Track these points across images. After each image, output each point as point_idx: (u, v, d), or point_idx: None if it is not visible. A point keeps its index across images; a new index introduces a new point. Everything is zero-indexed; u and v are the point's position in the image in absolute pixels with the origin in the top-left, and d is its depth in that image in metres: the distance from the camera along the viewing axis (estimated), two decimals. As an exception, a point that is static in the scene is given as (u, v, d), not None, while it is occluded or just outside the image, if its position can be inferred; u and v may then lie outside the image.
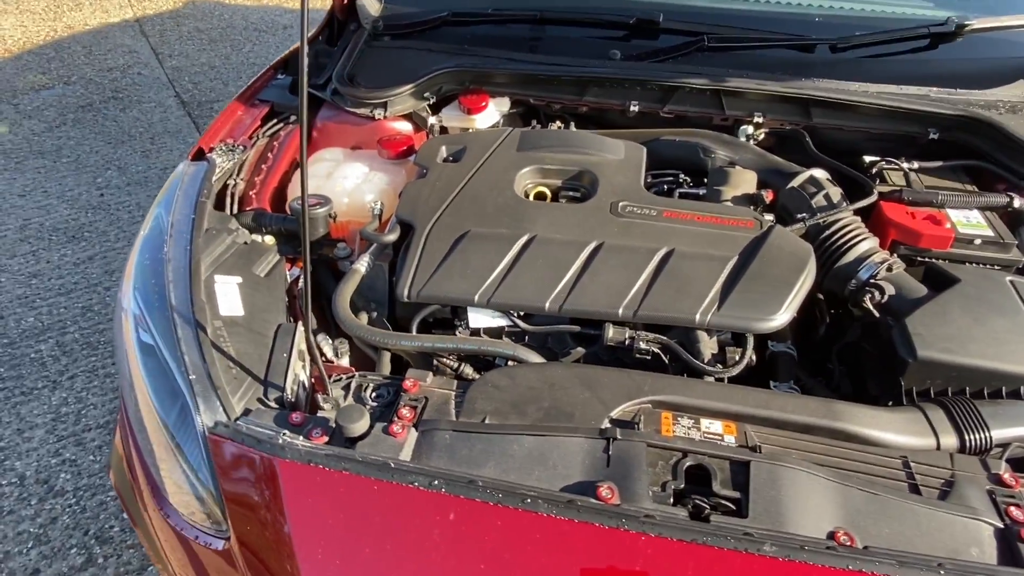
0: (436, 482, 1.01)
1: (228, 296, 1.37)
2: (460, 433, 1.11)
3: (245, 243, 1.51)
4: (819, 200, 1.53)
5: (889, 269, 1.43)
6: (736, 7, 2.03)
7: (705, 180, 1.67)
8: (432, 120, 1.87)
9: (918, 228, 1.50)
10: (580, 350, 1.40)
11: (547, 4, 2.02)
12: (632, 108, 1.82)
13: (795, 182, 1.57)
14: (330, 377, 1.25)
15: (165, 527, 1.22)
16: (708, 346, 1.32)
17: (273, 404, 1.23)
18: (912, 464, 1.10)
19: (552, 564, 0.95)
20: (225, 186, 1.66)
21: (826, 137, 1.82)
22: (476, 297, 1.33)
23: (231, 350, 1.27)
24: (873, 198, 1.54)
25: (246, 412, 1.19)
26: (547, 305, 1.32)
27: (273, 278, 1.47)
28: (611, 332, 1.32)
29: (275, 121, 1.89)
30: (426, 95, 1.86)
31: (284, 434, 1.10)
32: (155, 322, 1.28)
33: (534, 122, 1.93)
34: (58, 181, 4.05)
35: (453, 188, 1.54)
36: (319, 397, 1.17)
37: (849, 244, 1.46)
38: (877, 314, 1.38)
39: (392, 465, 1.03)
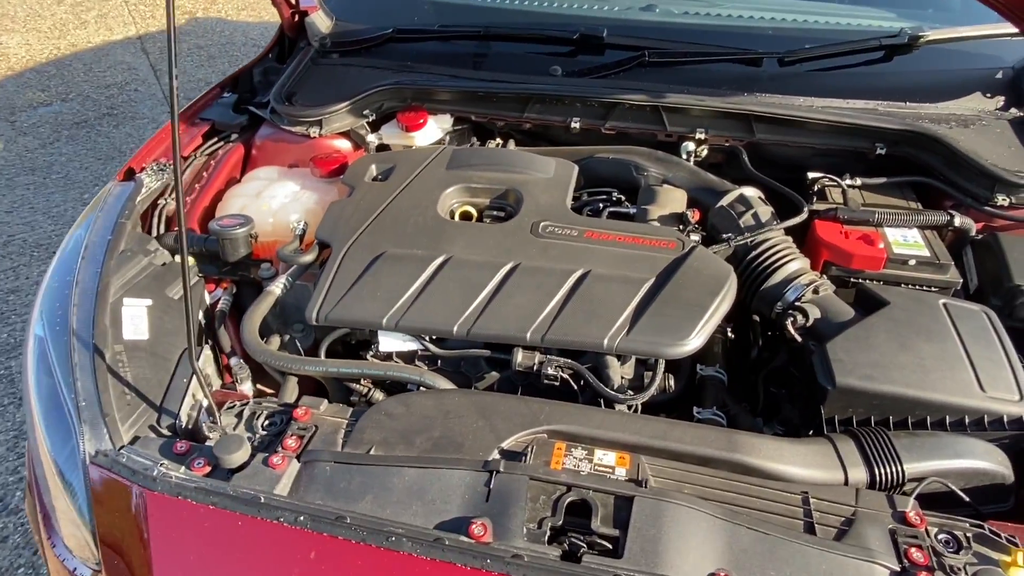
0: (302, 518, 0.97)
1: (134, 320, 1.35)
2: (341, 465, 1.08)
3: (164, 264, 1.50)
4: (747, 219, 1.48)
5: (815, 291, 1.37)
6: (682, 21, 1.98)
7: None
8: (371, 138, 1.85)
9: (849, 248, 1.44)
10: (495, 375, 1.37)
11: (492, 20, 2.00)
12: (573, 125, 1.78)
13: (724, 201, 1.52)
14: (223, 404, 1.22)
15: (53, 558, 1.20)
16: (617, 372, 1.28)
17: (165, 431, 1.20)
18: (812, 500, 1.05)
19: (412, 606, 0.91)
20: (154, 206, 1.65)
21: (771, 153, 1.77)
22: (384, 320, 1.30)
23: (129, 375, 1.25)
24: (802, 216, 1.49)
25: (135, 440, 1.16)
26: (455, 329, 1.28)
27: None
28: (520, 357, 1.28)
29: (215, 140, 1.89)
30: (365, 113, 1.84)
31: (161, 465, 1.08)
32: (55, 347, 1.26)
33: (474, 140, 1.90)
34: (46, 197, 4.10)
35: (376, 207, 1.52)
36: (204, 426, 1.14)
37: (776, 264, 1.41)
38: (799, 339, 1.33)
39: (261, 500, 1.00)
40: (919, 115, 1.72)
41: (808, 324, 1.33)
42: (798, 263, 1.43)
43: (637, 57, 1.80)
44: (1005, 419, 1.17)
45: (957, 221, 1.49)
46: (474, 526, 0.96)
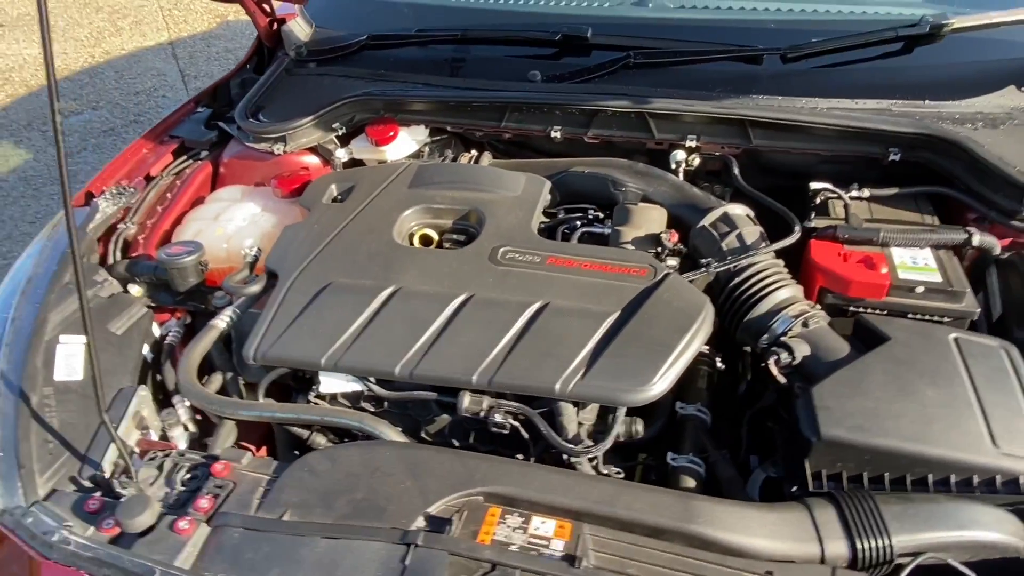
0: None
1: (69, 359, 1.28)
2: (251, 532, 0.98)
3: (110, 296, 1.43)
4: (731, 241, 1.32)
5: (805, 324, 1.21)
6: (676, 17, 1.82)
7: None
8: (339, 153, 1.75)
9: (847, 273, 1.27)
10: (445, 418, 1.25)
11: (472, 22, 1.87)
12: (554, 134, 1.65)
13: (705, 220, 1.36)
14: (145, 455, 1.14)
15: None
16: (573, 420, 1.15)
17: (87, 483, 1.13)
18: (777, 583, 0.90)
19: None
20: (112, 230, 1.59)
21: (772, 161, 1.60)
22: (323, 360, 1.20)
23: (55, 421, 1.19)
24: (794, 237, 1.33)
25: (51, 494, 1.09)
26: (397, 370, 1.17)
27: (130, 335, 1.38)
28: (466, 402, 1.17)
29: (184, 158, 1.81)
30: (335, 126, 1.74)
31: (66, 526, 1.00)
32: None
33: (448, 152, 1.78)
34: (69, 207, 4.15)
35: (329, 232, 1.42)
36: (115, 482, 1.07)
37: (762, 293, 1.26)
38: (782, 379, 1.17)
39: (157, 573, 0.91)
40: (939, 115, 1.52)
41: (795, 362, 1.18)
42: (788, 291, 1.27)
43: (622, 59, 1.65)
44: (1021, 480, 1.00)
45: (976, 239, 1.30)
46: (380, 611, 0.85)
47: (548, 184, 1.50)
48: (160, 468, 1.12)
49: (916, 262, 1.29)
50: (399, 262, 1.33)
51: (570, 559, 0.91)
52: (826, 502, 1.01)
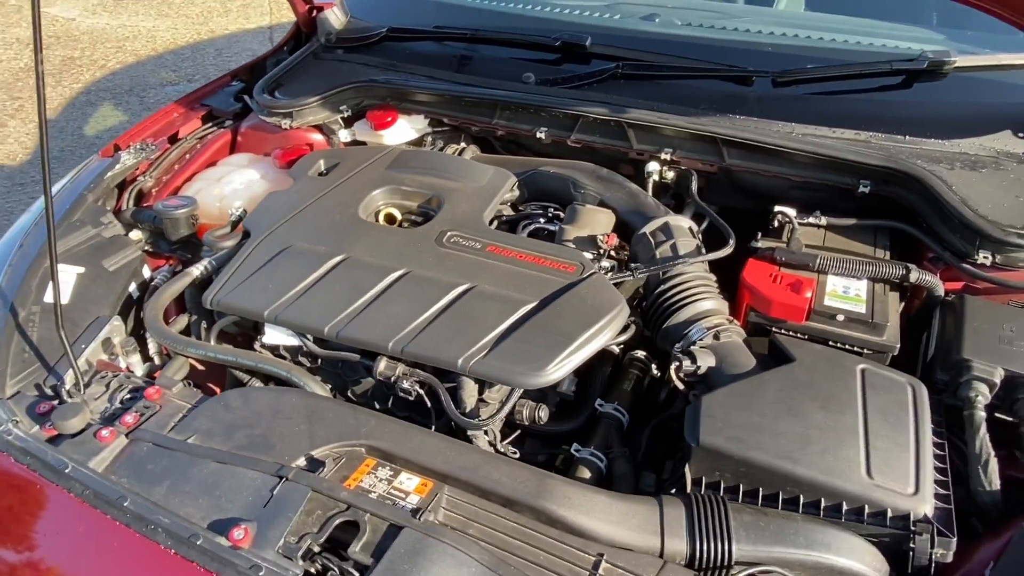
0: (87, 492, 1.01)
1: (61, 284, 1.45)
2: (157, 448, 1.10)
3: (112, 237, 1.60)
4: (664, 250, 1.36)
5: (716, 336, 1.24)
6: (681, 33, 1.85)
7: None
8: (343, 134, 1.88)
9: (769, 294, 1.28)
10: (370, 380, 1.35)
11: (489, 23, 1.97)
12: (539, 135, 1.72)
13: (646, 228, 1.40)
14: (98, 372, 1.29)
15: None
16: (472, 394, 1.22)
17: (49, 391, 1.29)
18: (603, 566, 0.94)
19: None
20: (131, 181, 1.77)
21: (745, 181, 1.61)
22: (266, 313, 1.32)
23: (35, 335, 1.35)
24: (726, 251, 1.35)
25: (15, 394, 1.25)
26: (326, 330, 1.27)
27: (120, 273, 1.54)
28: (382, 366, 1.26)
29: (210, 125, 1.99)
30: (341, 108, 1.87)
31: (14, 420, 1.16)
32: (-22, 301, 1.39)
33: (439, 143, 1.87)
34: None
35: (304, 202, 1.54)
36: (63, 390, 1.21)
37: (683, 301, 1.29)
38: (680, 385, 1.20)
39: (66, 469, 1.05)
40: (917, 151, 1.49)
41: (699, 370, 1.20)
42: (710, 303, 1.29)
43: (610, 69, 1.70)
44: (889, 513, 1.00)
45: (914, 276, 1.28)
46: (236, 530, 0.95)
47: (512, 179, 1.57)
48: (107, 386, 1.26)
49: (847, 292, 1.29)
50: (355, 234, 1.43)
51: (415, 511, 0.98)
52: (679, 501, 1.04)
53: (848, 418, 1.09)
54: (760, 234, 1.43)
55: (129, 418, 1.16)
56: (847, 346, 1.26)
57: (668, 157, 1.62)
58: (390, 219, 1.56)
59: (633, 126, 1.63)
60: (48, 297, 1.42)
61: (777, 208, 1.47)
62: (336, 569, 0.92)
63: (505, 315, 1.24)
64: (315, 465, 1.07)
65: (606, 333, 1.21)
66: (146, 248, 1.66)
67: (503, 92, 1.74)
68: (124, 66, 6.11)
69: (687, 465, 1.11)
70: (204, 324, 1.48)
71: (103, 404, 1.23)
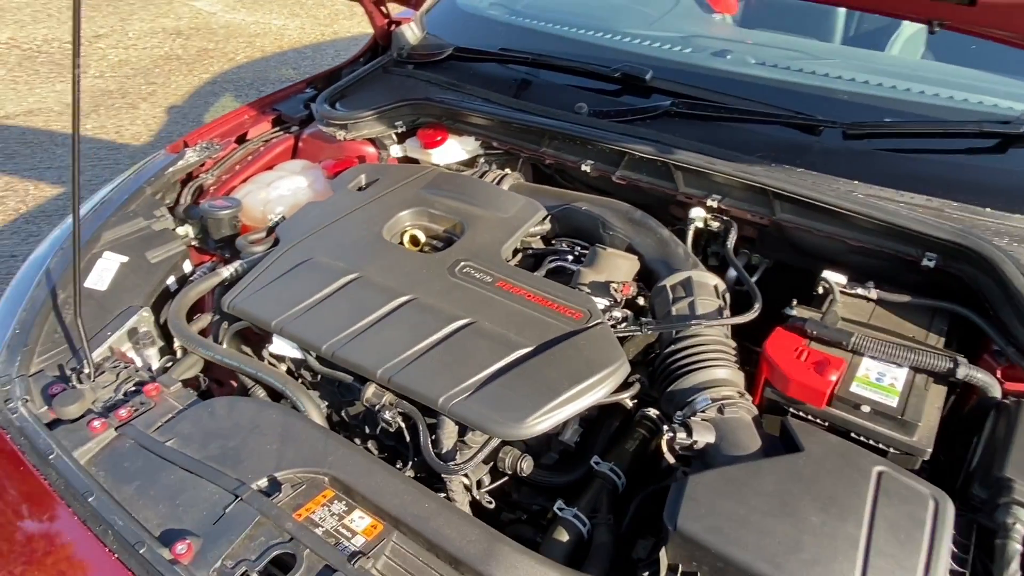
0: (59, 481, 1.05)
1: (103, 271, 1.54)
2: (137, 447, 1.13)
3: (161, 230, 1.68)
4: (682, 307, 1.26)
5: (721, 410, 1.13)
6: (748, 72, 1.73)
7: None
8: (394, 149, 1.90)
9: (789, 370, 1.16)
10: (361, 405, 1.33)
11: (552, 49, 1.92)
12: (584, 167, 1.66)
13: (667, 280, 1.31)
14: (113, 361, 1.35)
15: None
16: (451, 436, 1.17)
17: (68, 373, 1.36)
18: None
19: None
20: (191, 177, 1.86)
21: (798, 238, 1.48)
22: (273, 323, 1.34)
23: (67, 317, 1.43)
24: (749, 316, 1.23)
25: (39, 372, 1.33)
26: (323, 347, 1.27)
27: (161, 266, 1.61)
28: (369, 392, 1.24)
29: (276, 129, 2.06)
30: (397, 124, 1.89)
31: (25, 399, 1.23)
32: (21, 279, 1.49)
33: (482, 165, 1.84)
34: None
35: (336, 215, 1.56)
36: (74, 376, 1.27)
37: (692, 367, 1.19)
38: (672, 459, 1.11)
39: (50, 455, 1.10)
40: (998, 228, 1.31)
41: (695, 445, 1.10)
42: (722, 372, 1.18)
43: (663, 106, 1.62)
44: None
45: (962, 372, 1.12)
46: (180, 544, 0.96)
47: (541, 213, 1.52)
48: (117, 376, 1.32)
49: (881, 379, 1.14)
50: (373, 254, 1.43)
51: (354, 556, 0.95)
52: (635, 590, 0.95)
53: (849, 526, 0.96)
54: (796, 300, 1.30)
55: (123, 411, 1.20)
56: (871, 441, 1.11)
57: (715, 204, 1.51)
58: (414, 241, 1.54)
59: (681, 168, 1.54)
60: (89, 282, 1.51)
61: (825, 273, 1.34)
62: (263, 601, 0.91)
63: (497, 357, 1.19)
64: (274, 487, 1.06)
65: (598, 390, 1.13)
66: (194, 244, 1.73)
67: (551, 121, 1.69)
68: (250, 60, 6.51)
69: (663, 549, 1.02)
70: (224, 325, 1.52)
71: (109, 393, 1.28)
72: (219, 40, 6.89)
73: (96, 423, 1.17)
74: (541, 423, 1.10)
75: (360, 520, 1.02)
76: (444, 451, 1.17)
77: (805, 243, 1.49)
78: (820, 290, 1.34)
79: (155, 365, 1.47)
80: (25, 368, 1.32)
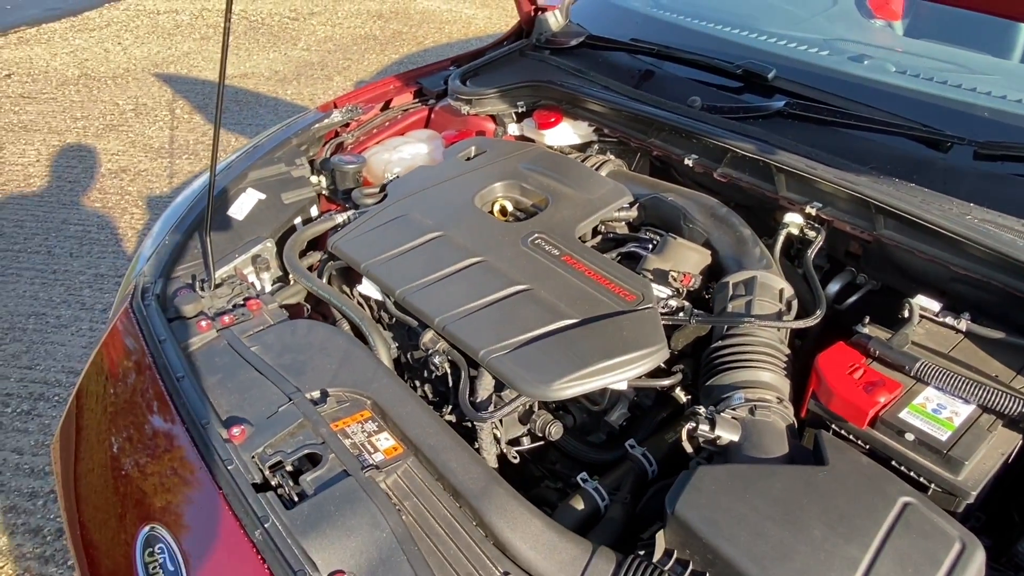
0: (160, 360, 1.26)
1: (243, 204, 1.78)
2: (228, 347, 1.33)
3: (298, 176, 1.91)
4: (739, 304, 1.23)
5: (752, 411, 1.11)
6: (881, 79, 1.61)
7: None
8: (512, 127, 1.99)
9: (836, 385, 1.10)
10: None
11: (688, 42, 1.91)
12: (687, 161, 1.65)
13: (730, 277, 1.28)
14: (232, 277, 1.57)
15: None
16: (487, 388, 1.25)
17: (196, 281, 1.60)
18: (501, 584, 0.93)
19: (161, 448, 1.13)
20: (336, 135, 2.08)
21: (899, 258, 1.38)
22: (362, 265, 1.49)
23: (208, 238, 1.69)
24: (810, 322, 1.18)
25: (176, 277, 1.59)
26: (397, 292, 1.40)
27: (291, 207, 1.83)
28: (427, 337, 1.35)
29: (416, 100, 2.24)
30: (519, 104, 1.98)
31: (156, 297, 1.47)
32: (180, 203, 1.77)
33: (594, 151, 1.88)
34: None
35: (439, 180, 1.69)
36: (197, 284, 1.50)
37: (735, 364, 1.17)
38: (689, 448, 1.10)
39: (159, 340, 1.32)
40: None
41: (718, 440, 1.09)
42: (766, 376, 1.15)
43: (776, 106, 1.56)
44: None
45: (1034, 417, 1.00)
46: (236, 428, 1.12)
47: (627, 197, 1.54)
48: (232, 290, 1.54)
49: (939, 411, 1.05)
50: (459, 217, 1.54)
51: (371, 467, 1.06)
52: (613, 557, 0.97)
53: (853, 548, 0.91)
54: (868, 318, 1.22)
55: (227, 318, 1.41)
56: (912, 473, 1.04)
57: (814, 212, 1.44)
58: (503, 211, 1.63)
59: (783, 170, 1.49)
60: (231, 211, 1.75)
61: (917, 298, 1.25)
62: (284, 487, 1.04)
63: (543, 323, 1.24)
64: (323, 398, 1.20)
65: (629, 369, 1.15)
66: (324, 192, 1.94)
67: (659, 111, 1.70)
68: (436, 45, 6.94)
69: (662, 532, 1.03)
70: (329, 263, 1.70)
71: (222, 303, 1.49)
72: (413, 24, 7.41)
73: (203, 323, 1.38)
74: (567, 389, 1.14)
75: (385, 441, 1.13)
76: (479, 400, 1.24)
77: (910, 265, 1.38)
78: (905, 313, 1.25)
79: (267, 288, 1.68)
80: (166, 274, 1.58)
